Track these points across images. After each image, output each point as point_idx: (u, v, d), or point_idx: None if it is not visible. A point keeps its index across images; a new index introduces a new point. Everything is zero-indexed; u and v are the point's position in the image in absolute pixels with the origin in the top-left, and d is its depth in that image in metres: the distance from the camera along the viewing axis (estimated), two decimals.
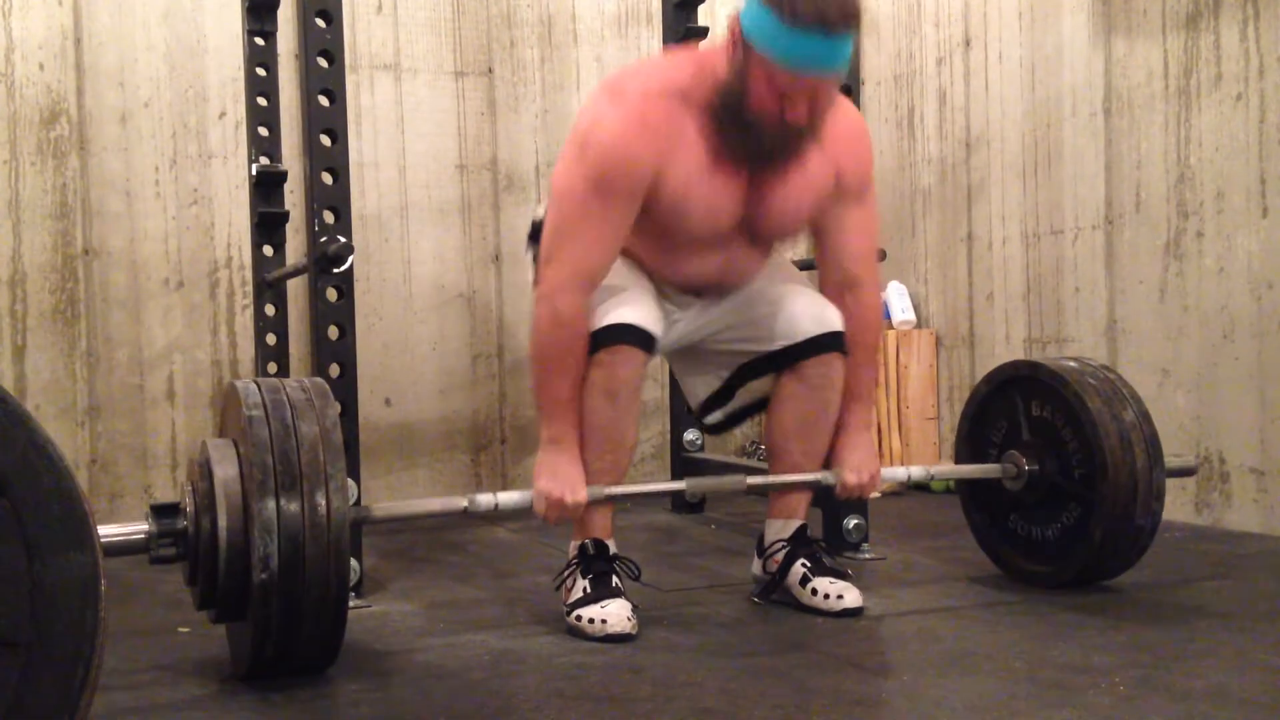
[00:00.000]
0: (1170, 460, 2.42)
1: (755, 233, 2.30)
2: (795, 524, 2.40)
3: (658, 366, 3.60)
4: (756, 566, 2.45)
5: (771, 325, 2.35)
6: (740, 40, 2.07)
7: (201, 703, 1.83)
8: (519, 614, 2.37)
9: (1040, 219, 3.60)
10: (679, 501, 3.60)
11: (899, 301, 4.08)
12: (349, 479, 2.13)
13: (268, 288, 3.10)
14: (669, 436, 3.71)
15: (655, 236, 2.26)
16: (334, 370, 2.48)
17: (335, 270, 2.46)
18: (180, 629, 2.28)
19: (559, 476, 2.17)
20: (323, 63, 2.47)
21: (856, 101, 2.81)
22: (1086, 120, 3.42)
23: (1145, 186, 3.25)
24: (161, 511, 1.83)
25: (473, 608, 2.44)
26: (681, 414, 3.50)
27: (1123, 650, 1.97)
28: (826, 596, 2.28)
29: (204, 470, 1.85)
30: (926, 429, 4.00)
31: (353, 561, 2.34)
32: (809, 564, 2.34)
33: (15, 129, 3.35)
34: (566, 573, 2.27)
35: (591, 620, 2.14)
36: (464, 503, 2.12)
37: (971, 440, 2.61)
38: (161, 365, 3.51)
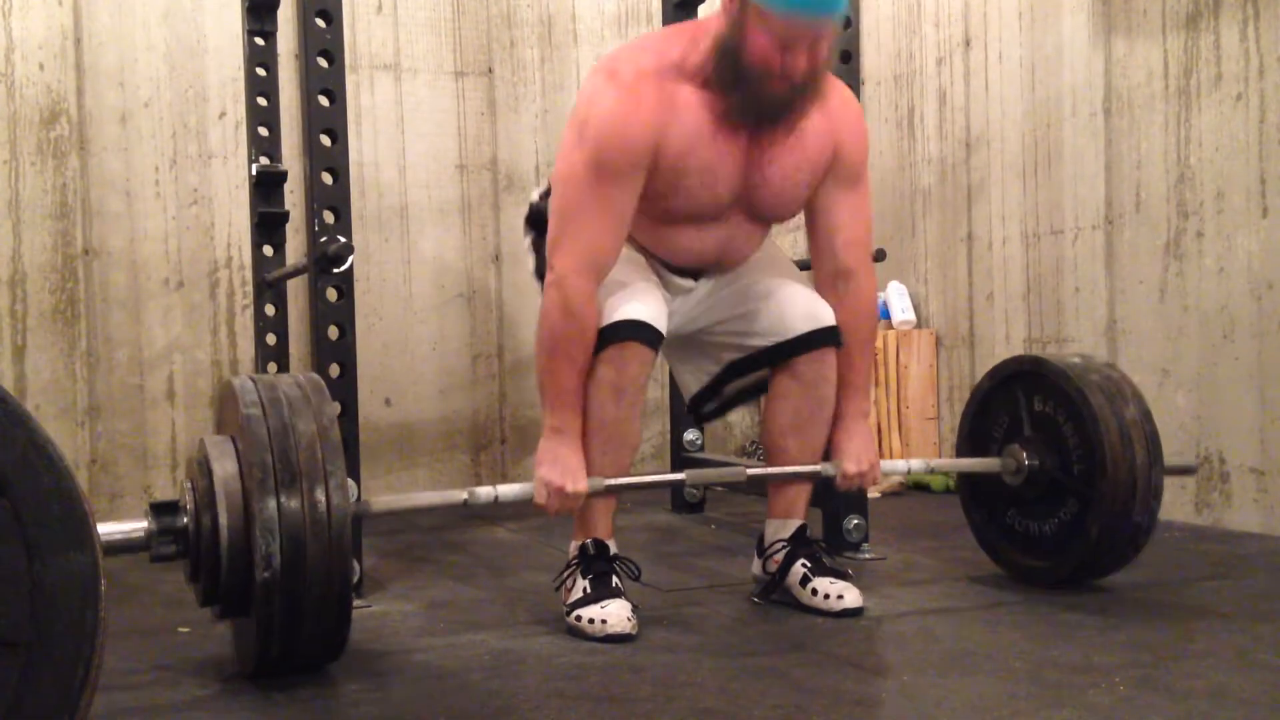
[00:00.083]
0: (1170, 459, 2.42)
1: (754, 207, 2.29)
2: (795, 524, 2.40)
3: (658, 366, 3.60)
4: (756, 566, 2.45)
5: (764, 320, 2.35)
6: None
7: (202, 703, 1.83)
8: (519, 614, 2.37)
9: (1040, 219, 3.60)
10: (679, 501, 3.60)
11: (899, 301, 4.08)
12: (349, 479, 2.12)
13: (268, 288, 3.10)
14: (669, 436, 3.71)
15: (656, 216, 2.25)
16: (334, 370, 2.48)
17: (335, 270, 2.46)
18: (180, 629, 2.28)
19: (560, 465, 2.16)
20: (323, 63, 2.47)
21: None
22: (1086, 120, 3.42)
23: (1145, 186, 3.25)
24: (161, 509, 1.83)
25: (473, 608, 2.44)
26: (681, 414, 3.50)
27: (1123, 650, 1.97)
28: (826, 596, 2.27)
29: (203, 468, 1.85)
30: (926, 429, 4.00)
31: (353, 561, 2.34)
32: (809, 564, 2.33)
33: (15, 129, 3.35)
34: (566, 573, 2.27)
35: (591, 620, 2.14)
36: (464, 495, 2.12)
37: (973, 436, 2.61)
38: (161, 365, 3.51)
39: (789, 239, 3.96)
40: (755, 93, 2.10)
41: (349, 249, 2.46)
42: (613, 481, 2.20)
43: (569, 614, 2.19)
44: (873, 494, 3.39)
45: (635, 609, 2.18)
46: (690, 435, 3.55)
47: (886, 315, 4.06)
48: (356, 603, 2.40)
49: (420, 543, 3.19)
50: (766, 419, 2.42)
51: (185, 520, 1.82)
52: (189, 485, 1.85)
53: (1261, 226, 2.95)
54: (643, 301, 2.21)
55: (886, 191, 4.16)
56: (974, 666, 1.90)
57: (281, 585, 1.74)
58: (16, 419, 1.25)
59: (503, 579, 2.73)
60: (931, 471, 2.70)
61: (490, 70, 3.89)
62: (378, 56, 3.75)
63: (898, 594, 2.46)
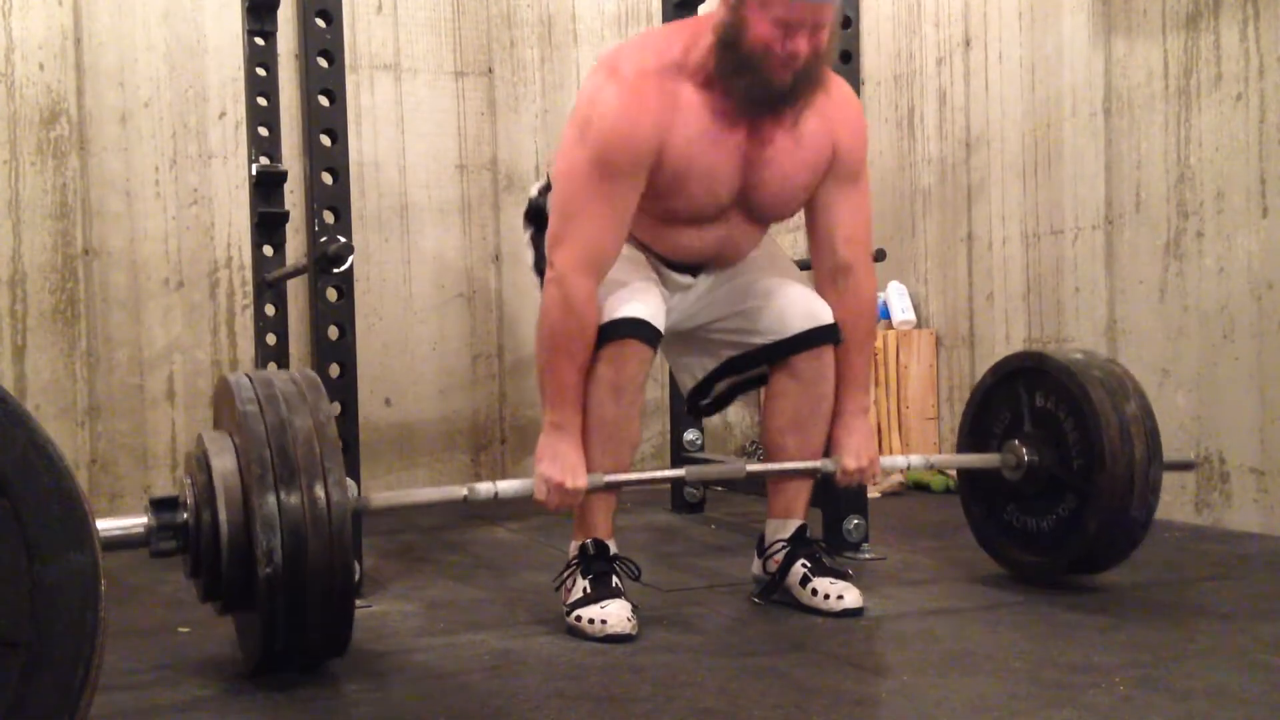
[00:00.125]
0: (1169, 454, 2.42)
1: (752, 208, 2.29)
2: (795, 523, 2.40)
3: (658, 366, 3.60)
4: (756, 566, 2.45)
5: (763, 319, 2.35)
6: None
7: (202, 703, 1.83)
8: (519, 614, 2.37)
9: (1040, 219, 3.60)
10: (679, 501, 3.60)
11: (899, 301, 4.08)
12: (349, 478, 2.12)
13: (268, 288, 3.10)
14: (669, 436, 3.70)
15: (655, 215, 2.25)
16: (334, 370, 2.48)
17: (335, 270, 2.46)
18: (181, 629, 2.28)
19: (560, 461, 2.16)
20: (323, 63, 2.47)
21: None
22: (1086, 120, 3.42)
23: (1145, 186, 3.25)
24: (161, 505, 1.82)
25: (473, 608, 2.44)
26: (681, 414, 3.50)
27: (1123, 650, 1.97)
28: (826, 596, 2.27)
29: (202, 463, 1.85)
30: (926, 429, 4.00)
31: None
32: (809, 564, 2.33)
33: (15, 129, 3.35)
34: (566, 573, 2.27)
35: (591, 620, 2.13)
36: (464, 491, 2.12)
37: (974, 432, 2.61)
38: (161, 365, 3.51)
39: (789, 238, 3.95)
40: (758, 80, 2.10)
41: (349, 249, 2.46)
42: (612, 478, 2.20)
43: (569, 614, 2.19)
44: (873, 494, 3.39)
45: (635, 609, 2.18)
46: (690, 435, 3.55)
47: (886, 315, 4.06)
48: (357, 602, 2.40)
49: (420, 543, 3.19)
50: (766, 417, 2.42)
51: (185, 515, 1.82)
52: (188, 480, 1.85)
53: (1261, 226, 2.95)
54: (641, 300, 2.21)
55: (886, 191, 4.16)
56: (974, 666, 1.90)
57: (284, 580, 1.74)
58: (16, 419, 1.25)
59: (503, 579, 2.73)
60: (931, 467, 2.69)
61: (490, 70, 3.90)
62: (378, 56, 3.75)
63: (898, 594, 2.46)
